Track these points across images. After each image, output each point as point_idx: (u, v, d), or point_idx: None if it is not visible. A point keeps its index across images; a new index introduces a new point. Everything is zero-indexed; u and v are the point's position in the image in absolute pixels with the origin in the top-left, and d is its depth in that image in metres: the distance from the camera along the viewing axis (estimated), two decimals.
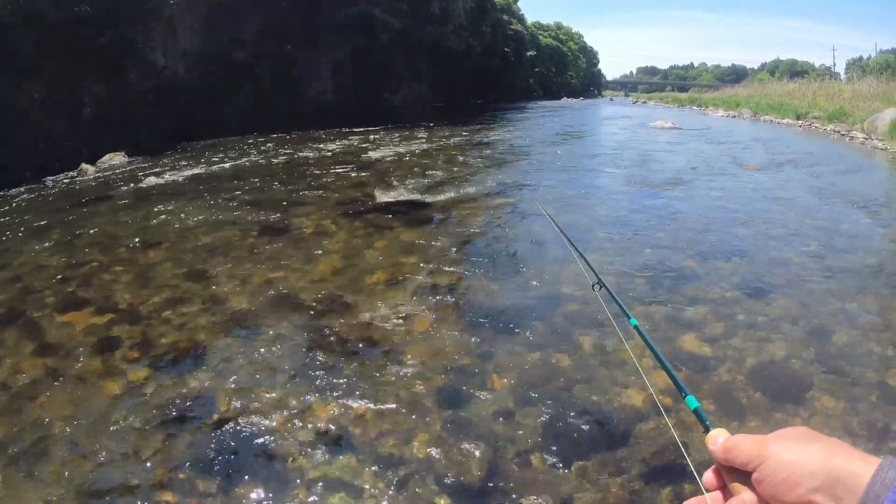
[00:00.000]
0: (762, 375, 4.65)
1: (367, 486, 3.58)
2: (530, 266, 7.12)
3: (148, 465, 3.92)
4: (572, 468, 3.65)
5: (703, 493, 0.90)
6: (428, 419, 4.17)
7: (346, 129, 23.41)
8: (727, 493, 0.88)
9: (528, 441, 3.92)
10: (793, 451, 0.81)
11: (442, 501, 3.43)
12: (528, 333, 5.37)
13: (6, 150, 13.57)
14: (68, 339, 5.68)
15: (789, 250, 7.59)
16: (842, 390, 4.43)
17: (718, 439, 0.90)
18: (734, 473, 0.87)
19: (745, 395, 4.41)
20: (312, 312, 5.90)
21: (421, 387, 4.55)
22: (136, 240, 8.48)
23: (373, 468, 3.73)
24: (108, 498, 3.65)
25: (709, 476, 0.91)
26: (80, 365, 5.19)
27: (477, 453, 3.80)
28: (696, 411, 1.01)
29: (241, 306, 6.13)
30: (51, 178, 14.06)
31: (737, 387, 4.51)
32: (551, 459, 3.74)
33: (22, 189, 12.94)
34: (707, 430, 0.93)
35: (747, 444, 0.85)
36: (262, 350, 5.24)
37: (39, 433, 4.34)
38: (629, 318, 1.39)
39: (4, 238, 9.10)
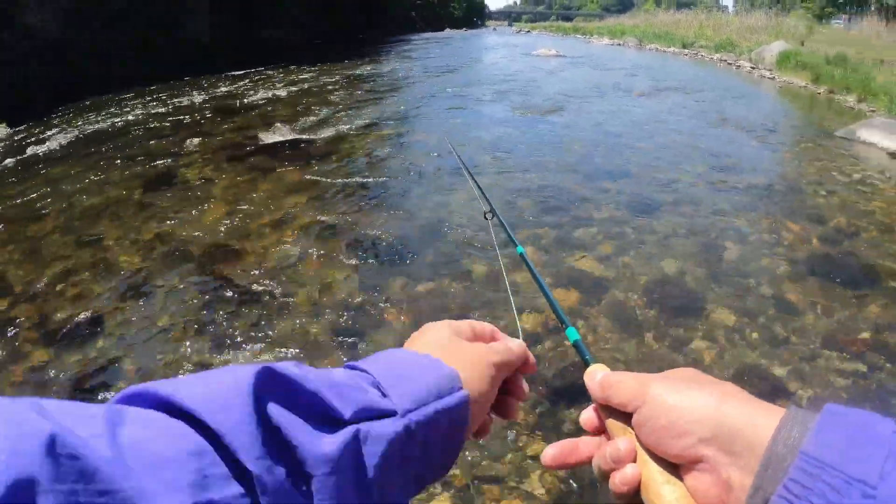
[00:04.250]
0: (657, 292, 4.75)
1: None
2: (418, 196, 7.08)
3: None
4: None
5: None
6: (328, 360, 4.11)
7: (228, 73, 22.50)
8: (609, 437, 0.75)
9: None
10: (678, 394, 0.68)
11: None
12: (420, 265, 5.34)
13: None
14: None
15: (676, 172, 7.78)
16: (738, 304, 4.57)
17: (597, 375, 0.76)
18: (615, 415, 0.73)
19: (641, 312, 4.49)
20: (203, 263, 5.71)
21: (318, 328, 4.47)
22: (24, 213, 7.93)
23: None
24: None
25: (588, 415, 0.77)
26: None
27: None
28: (575, 344, 0.87)
29: (133, 267, 5.89)
30: None
31: (631, 305, 4.58)
32: None
33: None
34: (587, 364, 0.80)
35: (627, 382, 0.71)
36: (159, 309, 5.06)
37: None
38: (516, 245, 1.29)
39: None
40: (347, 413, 0.57)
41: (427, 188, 7.30)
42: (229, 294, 5.09)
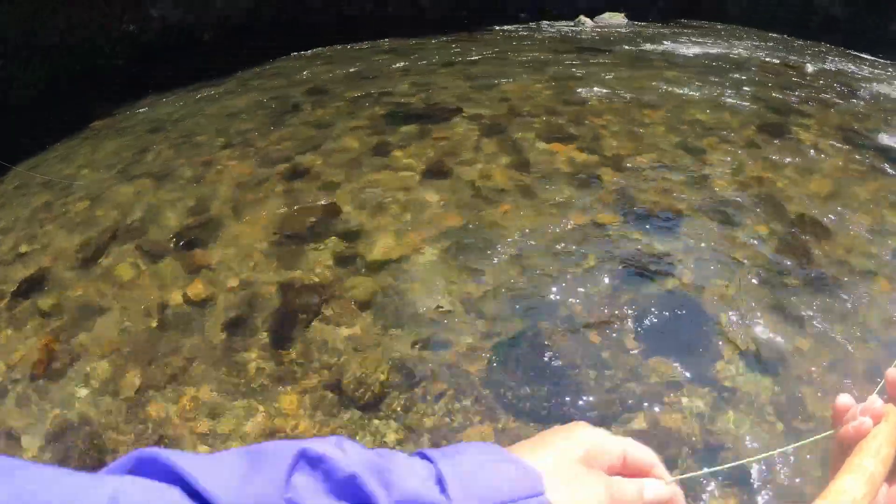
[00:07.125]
0: None
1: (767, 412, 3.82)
2: None
3: (582, 299, 4.35)
4: None
5: None
6: (850, 379, 4.09)
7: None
8: None
9: None
10: None
11: None
12: None
13: None
14: (545, 165, 6.06)
15: None
16: None
17: None
18: None
19: None
20: (793, 225, 5.64)
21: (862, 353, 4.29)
22: (632, 97, 8.41)
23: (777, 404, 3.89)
24: (519, 307, 4.21)
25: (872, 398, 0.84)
26: (551, 189, 5.61)
27: None
28: None
29: (725, 193, 5.94)
30: (546, 22, 14.73)
31: None
32: None
33: (515, 27, 13.66)
34: None
35: None
36: (732, 243, 5.22)
37: (491, 234, 4.93)
38: None
39: (497, 64, 9.77)
40: (387, 500, 0.58)
41: None
42: (803, 264, 5.07)
